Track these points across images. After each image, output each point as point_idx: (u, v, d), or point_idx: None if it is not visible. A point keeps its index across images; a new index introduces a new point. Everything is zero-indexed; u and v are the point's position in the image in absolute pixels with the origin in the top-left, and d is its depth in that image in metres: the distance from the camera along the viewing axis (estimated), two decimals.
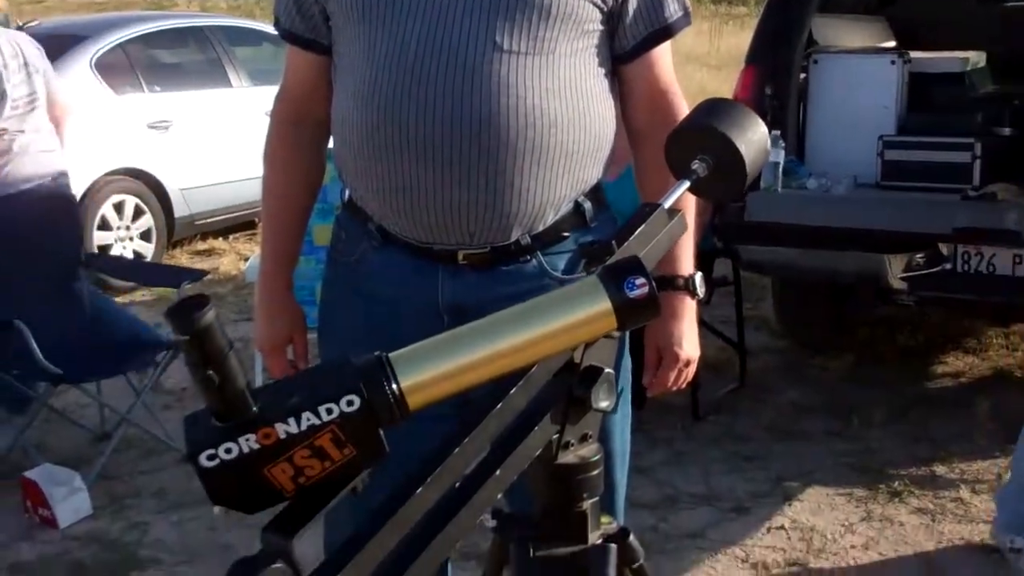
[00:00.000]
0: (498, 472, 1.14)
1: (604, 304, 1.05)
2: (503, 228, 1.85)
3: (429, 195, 1.81)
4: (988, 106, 4.71)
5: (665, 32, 1.91)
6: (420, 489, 1.06)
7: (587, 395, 1.21)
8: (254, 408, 0.96)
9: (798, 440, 4.36)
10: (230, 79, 7.69)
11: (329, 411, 0.96)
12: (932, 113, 4.62)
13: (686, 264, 1.94)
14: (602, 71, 1.88)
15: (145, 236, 7.07)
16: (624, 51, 1.90)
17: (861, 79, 4.56)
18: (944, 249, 4.23)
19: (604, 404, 1.22)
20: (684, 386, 2.02)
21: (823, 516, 3.73)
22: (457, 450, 1.10)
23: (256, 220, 8.09)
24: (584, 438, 1.26)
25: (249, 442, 0.96)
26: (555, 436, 1.23)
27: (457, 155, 1.78)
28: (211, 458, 0.95)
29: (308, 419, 0.96)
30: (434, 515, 1.09)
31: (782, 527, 3.67)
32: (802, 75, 4.61)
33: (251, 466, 0.96)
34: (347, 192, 2.01)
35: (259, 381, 4.70)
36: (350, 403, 0.97)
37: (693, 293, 1.86)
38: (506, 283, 1.89)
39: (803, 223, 4.19)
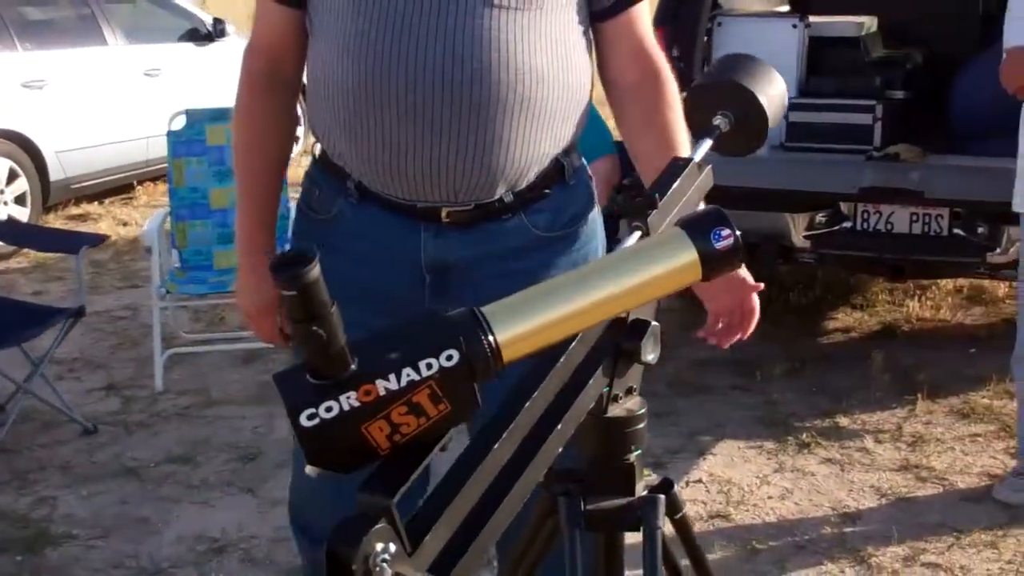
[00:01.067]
0: (559, 426, 1.14)
1: (691, 255, 1.05)
2: (489, 184, 1.83)
3: (417, 151, 1.79)
4: (883, 69, 4.85)
5: None
6: (496, 445, 1.06)
7: (636, 348, 1.21)
8: (352, 365, 0.94)
9: (705, 395, 4.45)
10: (105, 37, 7.42)
11: (429, 366, 0.95)
12: (831, 76, 4.74)
13: None
14: (582, 28, 1.88)
15: (20, 200, 6.79)
16: (605, 7, 1.90)
17: (763, 42, 4.64)
18: (844, 208, 4.36)
19: (651, 357, 1.23)
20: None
21: (738, 469, 3.83)
22: (527, 404, 1.09)
23: (135, 183, 7.88)
24: (629, 391, 1.27)
25: (350, 400, 0.93)
26: (605, 389, 1.23)
27: (448, 110, 1.76)
28: (311, 417, 0.93)
29: (408, 375, 0.94)
30: (506, 469, 1.08)
31: (700, 481, 3.75)
32: (705, 37, 4.67)
33: (350, 424, 0.94)
34: (318, 147, 1.97)
35: (159, 375, 4.59)
36: (449, 357, 0.95)
37: None
38: (489, 241, 1.89)
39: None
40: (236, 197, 2.04)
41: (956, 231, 4.24)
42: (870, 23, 5.07)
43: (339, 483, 2.08)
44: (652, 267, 1.05)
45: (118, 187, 7.77)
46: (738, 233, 1.08)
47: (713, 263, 1.07)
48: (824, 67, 4.79)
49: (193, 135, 4.90)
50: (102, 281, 6.15)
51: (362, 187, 1.89)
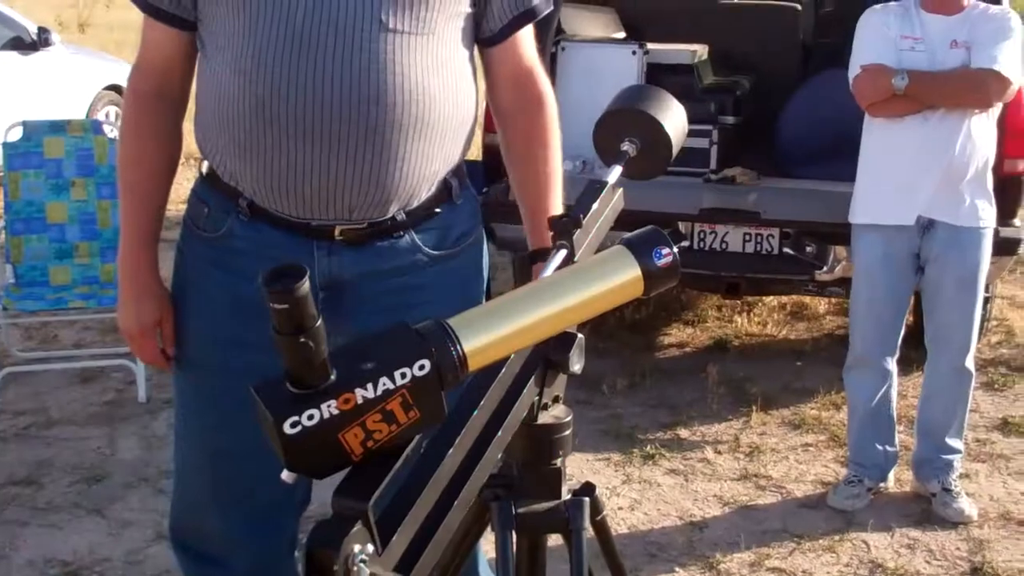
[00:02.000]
0: (500, 433, 1.21)
1: (635, 271, 1.14)
2: (383, 203, 1.89)
3: (314, 170, 1.83)
4: (715, 96, 5.09)
5: (529, 15, 2.01)
6: (451, 451, 1.12)
7: (564, 360, 1.29)
8: (331, 376, 0.99)
9: None
10: None
11: (403, 375, 1.00)
12: None
13: None
14: (468, 52, 1.97)
15: None
16: (491, 33, 1.99)
17: (604, 67, 4.80)
18: (683, 228, 4.55)
19: (577, 368, 1.31)
20: None
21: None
22: (475, 413, 1.16)
23: None
24: (556, 399, 1.35)
25: (330, 408, 0.98)
26: (535, 398, 1.31)
27: (344, 129, 1.81)
28: (294, 425, 0.97)
29: (384, 383, 1.00)
30: (456, 474, 1.14)
31: None
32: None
33: (329, 431, 0.99)
34: (205, 165, 1.98)
35: None
36: (422, 367, 1.01)
37: None
38: (381, 259, 1.95)
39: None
40: (120, 215, 2.03)
41: (786, 250, 4.48)
42: (701, 51, 5.30)
43: (223, 502, 2.10)
44: (601, 283, 1.13)
45: None
46: (675, 251, 1.18)
47: (654, 279, 1.16)
48: None
49: (31, 147, 4.76)
50: None
51: (254, 205, 1.92)
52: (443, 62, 1.89)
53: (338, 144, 1.82)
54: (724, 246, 4.54)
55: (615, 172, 1.45)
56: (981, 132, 3.52)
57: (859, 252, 3.71)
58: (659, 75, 5.02)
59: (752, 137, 5.15)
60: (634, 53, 4.84)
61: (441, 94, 1.88)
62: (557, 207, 2.07)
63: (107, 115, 8.74)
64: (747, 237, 4.52)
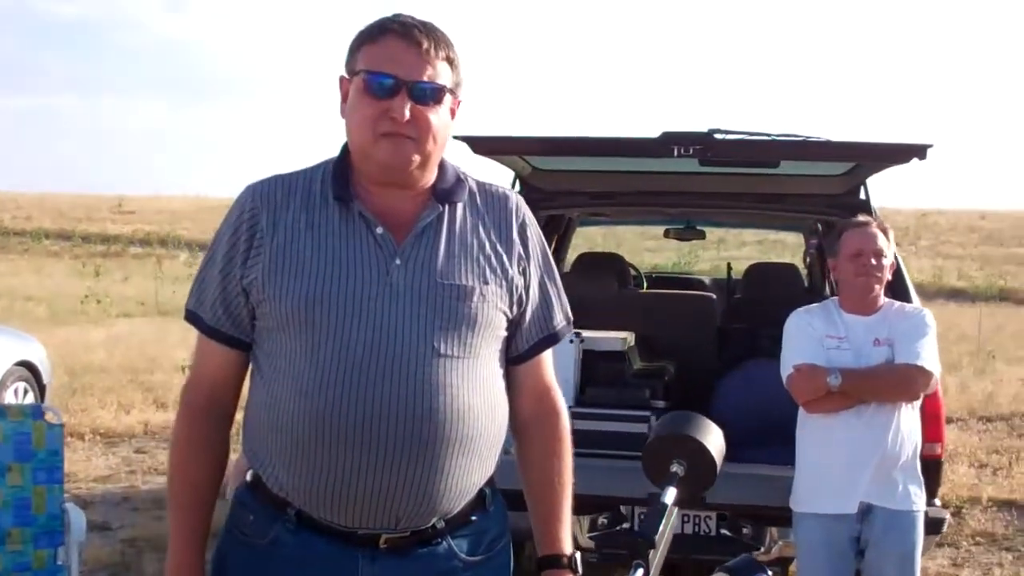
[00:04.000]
0: None
1: None
2: (427, 513, 2.02)
3: (367, 482, 1.96)
4: (647, 380, 5.35)
5: (552, 338, 2.22)
6: None
7: None
8: None
9: None
10: None
11: None
12: (603, 387, 5.18)
13: (568, 543, 2.19)
14: (502, 372, 2.15)
15: None
16: (519, 353, 2.19)
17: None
18: (624, 509, 4.70)
19: None
20: None
21: None
22: None
23: None
24: None
25: None
26: None
27: (398, 444, 1.95)
28: None
29: None
30: None
31: None
32: None
33: None
34: (250, 474, 2.09)
35: None
36: None
37: (575, 570, 2.16)
38: (420, 565, 2.06)
39: (509, 487, 4.50)
40: (169, 520, 2.12)
41: (724, 532, 4.64)
42: (630, 338, 5.59)
43: None
44: None
45: None
46: (770, 574, 1.33)
47: None
48: (597, 378, 5.23)
49: None
50: None
51: (301, 514, 2.02)
52: (484, 381, 2.07)
53: (390, 457, 1.96)
54: None
55: (671, 493, 1.61)
56: (908, 421, 3.81)
57: (801, 538, 3.89)
58: (594, 361, 5.27)
59: None
60: (572, 341, 5.09)
61: (483, 411, 2.06)
62: (567, 515, 2.21)
63: (16, 391, 8.68)
64: (686, 519, 4.68)
